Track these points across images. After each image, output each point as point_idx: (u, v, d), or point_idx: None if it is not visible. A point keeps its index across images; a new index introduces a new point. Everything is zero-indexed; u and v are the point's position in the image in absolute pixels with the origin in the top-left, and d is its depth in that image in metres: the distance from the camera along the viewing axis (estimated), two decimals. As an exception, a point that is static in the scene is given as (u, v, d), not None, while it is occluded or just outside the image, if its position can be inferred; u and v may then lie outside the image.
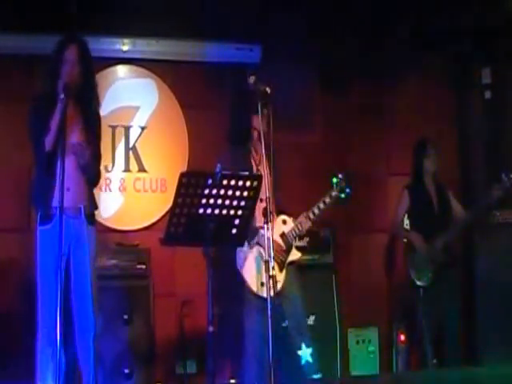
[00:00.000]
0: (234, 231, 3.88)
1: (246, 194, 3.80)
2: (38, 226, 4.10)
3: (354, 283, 6.15)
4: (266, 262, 3.91)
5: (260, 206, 4.20)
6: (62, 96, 3.94)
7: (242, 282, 4.39)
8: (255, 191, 3.82)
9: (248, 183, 3.80)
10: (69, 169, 3.97)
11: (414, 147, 5.76)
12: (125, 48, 5.93)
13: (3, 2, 5.40)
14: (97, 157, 4.30)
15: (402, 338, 5.98)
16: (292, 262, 4.55)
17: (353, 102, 6.47)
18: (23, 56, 5.67)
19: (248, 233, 4.13)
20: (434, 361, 5.45)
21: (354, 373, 5.87)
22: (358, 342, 5.99)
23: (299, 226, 4.53)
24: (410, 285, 5.51)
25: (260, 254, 4.39)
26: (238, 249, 4.36)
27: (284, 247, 4.51)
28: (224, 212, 3.80)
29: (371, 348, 6.01)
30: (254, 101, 4.09)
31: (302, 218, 4.53)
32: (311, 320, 5.33)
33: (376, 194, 6.45)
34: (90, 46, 5.57)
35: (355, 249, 6.32)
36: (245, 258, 4.40)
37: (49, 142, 4.00)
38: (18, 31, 5.62)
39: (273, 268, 4.02)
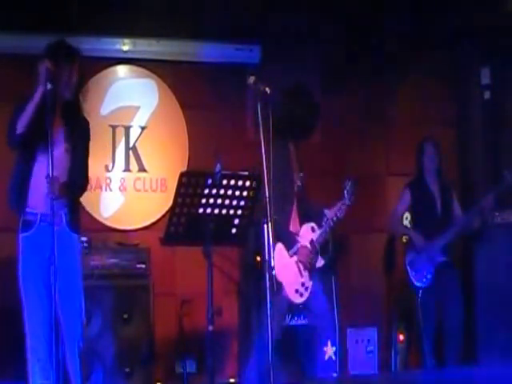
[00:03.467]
0: (233, 231, 3.89)
1: (245, 193, 3.82)
2: (19, 233, 4.03)
3: (353, 283, 6.16)
4: (266, 262, 3.93)
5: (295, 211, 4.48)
6: (50, 86, 3.80)
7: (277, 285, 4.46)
8: (255, 191, 3.83)
9: (248, 183, 3.81)
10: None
11: (416, 147, 5.77)
12: (125, 48, 5.94)
13: (3, 2, 5.40)
14: (81, 170, 4.15)
15: (401, 337, 5.99)
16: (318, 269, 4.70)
17: (352, 102, 6.47)
18: (23, 56, 5.67)
19: (248, 232, 4.17)
20: (433, 361, 5.46)
21: (353, 372, 5.89)
22: (357, 342, 6.00)
23: (323, 234, 4.66)
24: (409, 285, 5.51)
25: (296, 262, 4.56)
26: (277, 253, 4.38)
27: (313, 256, 4.62)
28: (224, 212, 3.81)
29: (370, 347, 6.02)
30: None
31: (325, 227, 4.65)
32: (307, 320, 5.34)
33: (375, 194, 6.45)
34: (91, 45, 5.66)
35: (354, 248, 6.33)
36: (283, 265, 4.49)
37: (21, 123, 3.85)
38: (18, 31, 5.62)
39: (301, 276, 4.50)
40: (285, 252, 4.54)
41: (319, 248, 4.65)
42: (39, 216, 3.91)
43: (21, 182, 3.97)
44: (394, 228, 5.85)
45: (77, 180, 4.09)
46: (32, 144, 3.90)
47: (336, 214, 4.66)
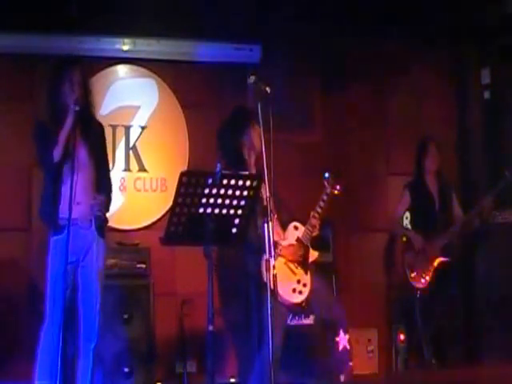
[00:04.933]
0: (233, 230, 3.89)
1: (245, 193, 3.81)
2: (51, 236, 4.13)
3: (353, 283, 6.16)
4: (267, 261, 3.93)
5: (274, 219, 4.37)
6: (77, 108, 4.00)
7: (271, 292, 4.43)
8: (255, 191, 3.82)
9: (248, 183, 3.80)
10: (79, 183, 4.05)
11: (416, 147, 5.77)
12: (125, 48, 5.95)
13: (3, 2, 5.40)
14: (106, 178, 4.36)
15: (402, 337, 5.98)
16: (312, 262, 4.64)
17: (353, 101, 6.48)
18: (23, 56, 5.68)
19: (248, 232, 4.15)
20: (433, 361, 5.46)
21: (354, 372, 5.87)
22: (357, 342, 5.99)
23: (309, 227, 4.60)
24: (407, 285, 5.50)
25: (285, 263, 4.51)
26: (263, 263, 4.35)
27: (302, 251, 4.57)
28: (224, 211, 3.80)
29: (371, 347, 6.02)
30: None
31: (310, 220, 4.59)
32: (311, 319, 5.33)
33: (376, 194, 6.46)
34: (91, 45, 5.67)
35: (355, 248, 6.33)
36: (273, 257, 4.41)
37: (57, 153, 4.04)
38: (18, 31, 5.63)
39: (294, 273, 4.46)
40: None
41: (309, 243, 4.61)
42: (67, 222, 3.95)
43: (52, 198, 4.09)
44: (394, 229, 5.86)
45: (108, 191, 4.32)
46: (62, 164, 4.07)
47: (319, 205, 4.61)
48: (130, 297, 5.31)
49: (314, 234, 4.66)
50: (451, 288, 5.49)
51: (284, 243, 4.56)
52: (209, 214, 3.76)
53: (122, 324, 5.25)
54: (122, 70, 6.11)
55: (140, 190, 6.04)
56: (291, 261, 4.53)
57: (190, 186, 3.71)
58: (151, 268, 5.48)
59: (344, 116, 6.46)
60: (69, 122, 4.02)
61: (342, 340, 4.53)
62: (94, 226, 4.19)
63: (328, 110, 6.44)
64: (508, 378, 4.36)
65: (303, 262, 4.57)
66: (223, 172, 3.74)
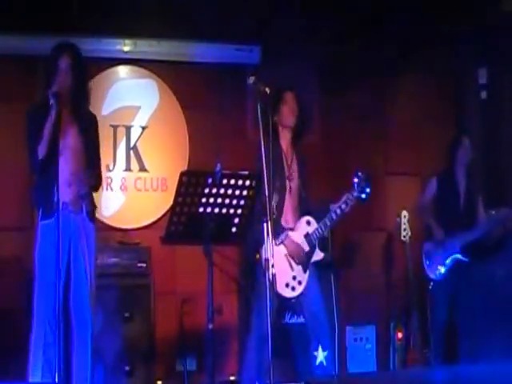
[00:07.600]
0: (233, 230, 3.92)
1: (245, 193, 3.85)
2: (39, 221, 4.17)
3: (351, 281, 6.19)
4: (266, 261, 3.95)
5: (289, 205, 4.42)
6: (52, 102, 3.99)
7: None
8: (255, 190, 3.86)
9: (247, 182, 3.84)
10: (70, 166, 4.11)
11: (451, 139, 5.73)
12: (126, 49, 5.97)
13: (3, 2, 5.43)
14: (96, 161, 4.39)
15: (399, 335, 6.01)
16: (315, 262, 4.64)
17: (352, 102, 6.50)
18: (23, 56, 5.70)
19: (248, 231, 4.18)
20: (426, 350, 5.48)
21: (352, 370, 5.91)
22: (355, 340, 6.02)
23: (322, 227, 4.58)
24: (422, 275, 5.46)
25: (285, 256, 4.52)
26: (265, 245, 4.32)
27: (307, 248, 4.57)
28: (224, 211, 3.84)
29: (369, 345, 6.05)
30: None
31: (325, 219, 4.59)
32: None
33: (374, 193, 6.45)
34: (92, 46, 5.69)
35: (353, 247, 6.35)
36: (272, 255, 4.42)
37: (42, 149, 4.05)
38: (18, 31, 5.65)
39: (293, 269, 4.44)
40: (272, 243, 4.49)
41: (317, 242, 4.63)
42: (61, 204, 3.98)
43: (47, 182, 4.07)
44: (421, 215, 5.73)
45: (96, 171, 4.33)
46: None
47: (340, 207, 4.58)
48: (131, 296, 5.34)
49: (326, 234, 4.64)
50: (466, 285, 5.47)
51: (292, 234, 4.55)
52: (209, 213, 3.80)
53: (122, 323, 5.28)
54: (122, 70, 6.13)
55: (141, 189, 6.07)
56: (291, 257, 4.53)
57: (190, 185, 3.75)
58: (152, 267, 5.50)
59: (343, 116, 6.48)
60: (51, 117, 4.01)
61: (320, 356, 4.52)
62: (85, 211, 4.21)
63: (328, 110, 6.46)
64: (507, 376, 4.37)
65: (305, 261, 4.57)
66: (223, 172, 3.78)
